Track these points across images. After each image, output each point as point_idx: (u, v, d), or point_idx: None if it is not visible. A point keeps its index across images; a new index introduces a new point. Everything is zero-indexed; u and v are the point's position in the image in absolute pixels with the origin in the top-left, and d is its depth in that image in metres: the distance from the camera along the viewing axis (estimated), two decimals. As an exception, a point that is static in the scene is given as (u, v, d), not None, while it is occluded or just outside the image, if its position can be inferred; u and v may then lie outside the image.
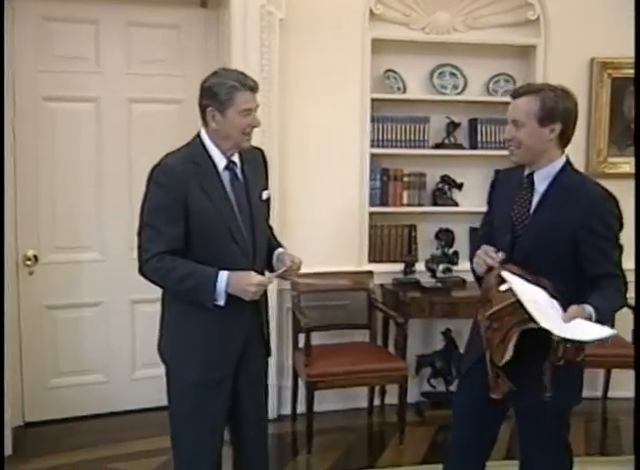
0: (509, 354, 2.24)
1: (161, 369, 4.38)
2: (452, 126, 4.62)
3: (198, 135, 2.58)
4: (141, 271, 2.52)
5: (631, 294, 3.80)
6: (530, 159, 2.46)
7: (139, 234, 2.52)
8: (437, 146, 4.65)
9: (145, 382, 4.32)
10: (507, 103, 4.32)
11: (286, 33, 4.14)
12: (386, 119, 4.52)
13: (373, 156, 4.50)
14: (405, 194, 4.61)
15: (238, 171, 2.59)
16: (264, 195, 2.65)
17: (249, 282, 2.42)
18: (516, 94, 2.49)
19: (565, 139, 2.44)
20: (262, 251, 2.62)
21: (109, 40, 4.11)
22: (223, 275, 2.42)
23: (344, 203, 4.44)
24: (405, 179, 4.61)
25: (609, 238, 2.38)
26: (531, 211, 2.45)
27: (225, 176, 2.55)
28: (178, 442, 2.66)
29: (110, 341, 4.29)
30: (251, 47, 4.04)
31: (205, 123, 2.54)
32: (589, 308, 2.22)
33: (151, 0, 4.11)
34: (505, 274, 2.28)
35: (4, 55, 3.66)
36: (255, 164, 2.67)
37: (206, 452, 2.62)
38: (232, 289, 2.42)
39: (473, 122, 4.67)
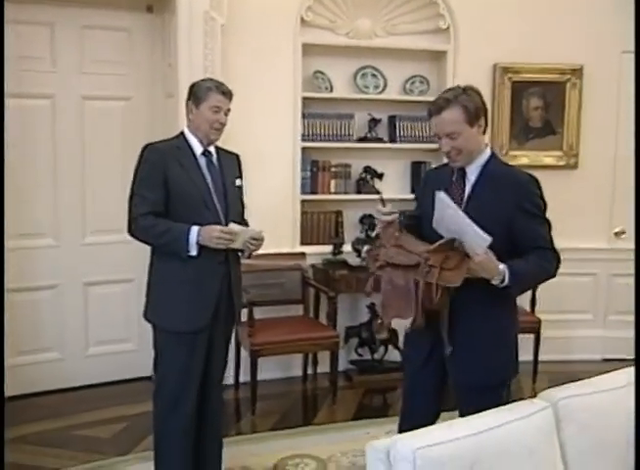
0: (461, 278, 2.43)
1: (113, 347, 4.78)
2: (374, 122, 5.14)
3: (182, 131, 3.11)
4: (130, 231, 3.02)
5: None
6: (470, 158, 2.59)
7: (130, 201, 3.00)
8: (361, 140, 5.15)
9: (98, 358, 4.69)
10: (422, 102, 4.97)
11: (227, 37, 4.53)
12: (315, 116, 5.00)
13: (304, 149, 4.97)
14: (332, 183, 5.12)
15: (214, 159, 3.10)
16: (237, 182, 3.16)
17: (212, 230, 2.92)
18: (435, 110, 2.55)
19: (484, 129, 2.61)
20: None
21: (64, 41, 4.41)
22: (194, 230, 2.93)
23: (279, 191, 4.89)
24: (332, 170, 5.12)
25: (538, 215, 2.57)
26: (465, 198, 2.59)
27: (202, 160, 3.07)
28: (161, 387, 3.09)
29: (64, 321, 4.60)
30: (196, 49, 4.40)
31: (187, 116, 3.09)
32: (502, 266, 2.43)
33: (102, 5, 4.44)
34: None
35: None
36: (231, 161, 3.21)
37: (186, 396, 3.04)
38: (202, 239, 2.92)
39: (392, 119, 5.20)
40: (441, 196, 2.47)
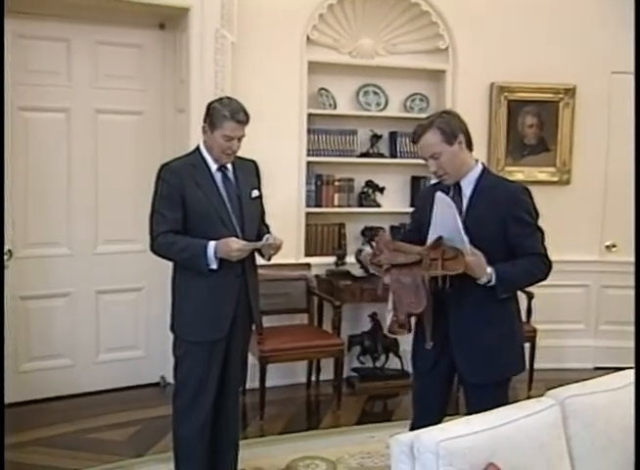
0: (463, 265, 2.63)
1: (122, 353, 4.89)
2: (375, 138, 5.33)
3: (197, 146, 3.21)
4: (152, 248, 3.14)
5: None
6: (459, 174, 2.80)
7: (150, 219, 3.12)
8: (363, 155, 5.33)
9: (107, 365, 4.81)
10: (422, 119, 5.14)
11: (237, 55, 4.69)
12: (319, 132, 5.17)
13: (309, 163, 5.14)
14: (336, 196, 5.29)
15: (229, 174, 3.21)
16: (253, 193, 3.26)
17: (230, 247, 3.01)
18: (416, 138, 2.79)
19: (469, 144, 2.80)
20: (251, 237, 3.19)
21: (78, 57, 4.56)
22: (212, 244, 3.03)
23: (285, 204, 5.02)
24: (336, 184, 5.28)
25: (530, 223, 2.75)
26: (463, 211, 2.77)
27: (217, 176, 3.17)
28: (179, 391, 3.21)
29: (76, 328, 4.72)
30: (207, 66, 4.56)
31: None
32: (490, 269, 2.64)
33: (116, 22, 4.59)
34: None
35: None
36: (248, 170, 3.30)
37: (203, 399, 3.15)
38: (220, 253, 3.03)
39: (393, 135, 5.39)
40: (442, 196, 2.69)
